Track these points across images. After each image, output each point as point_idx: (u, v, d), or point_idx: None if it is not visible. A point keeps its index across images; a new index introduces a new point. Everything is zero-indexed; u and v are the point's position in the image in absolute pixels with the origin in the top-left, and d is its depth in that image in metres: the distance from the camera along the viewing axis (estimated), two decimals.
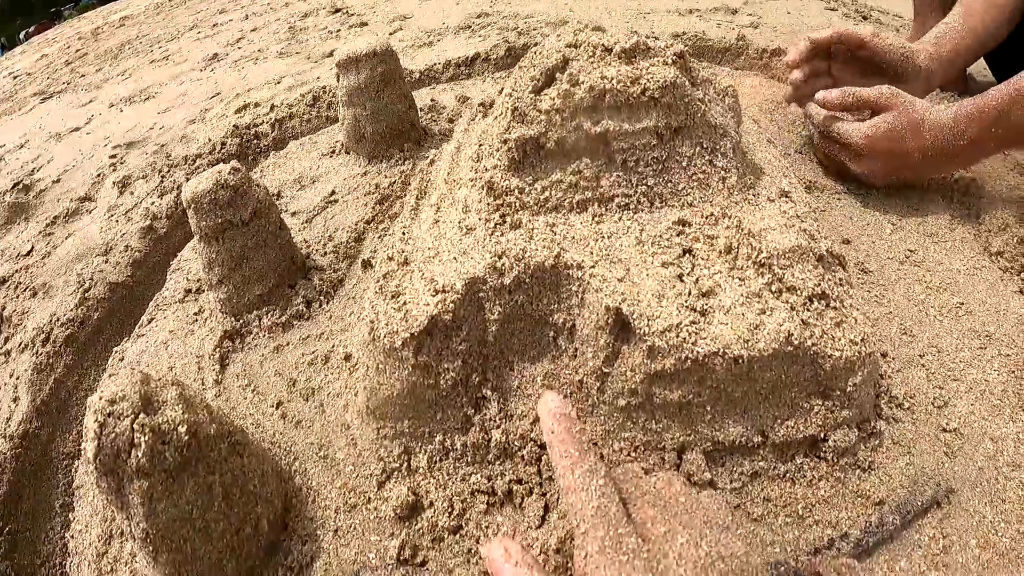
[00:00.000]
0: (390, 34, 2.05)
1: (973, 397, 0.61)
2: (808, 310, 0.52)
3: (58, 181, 1.70)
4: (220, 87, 2.02)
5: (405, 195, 0.99)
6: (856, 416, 0.54)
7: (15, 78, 4.41)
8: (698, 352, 0.49)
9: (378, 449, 0.59)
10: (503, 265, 0.55)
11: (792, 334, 0.49)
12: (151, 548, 0.49)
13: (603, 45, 0.62)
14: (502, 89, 0.88)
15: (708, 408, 0.52)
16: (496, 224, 0.59)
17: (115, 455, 0.46)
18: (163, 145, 1.65)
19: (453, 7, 2.26)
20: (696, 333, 0.49)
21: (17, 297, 1.18)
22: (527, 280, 0.55)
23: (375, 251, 0.89)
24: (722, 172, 0.62)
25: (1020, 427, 0.58)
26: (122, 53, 3.63)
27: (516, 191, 0.61)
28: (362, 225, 0.96)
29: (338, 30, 2.30)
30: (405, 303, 0.55)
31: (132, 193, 1.41)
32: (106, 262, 1.13)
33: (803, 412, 0.53)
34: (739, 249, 0.56)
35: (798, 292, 0.53)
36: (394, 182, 1.04)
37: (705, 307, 0.52)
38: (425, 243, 0.63)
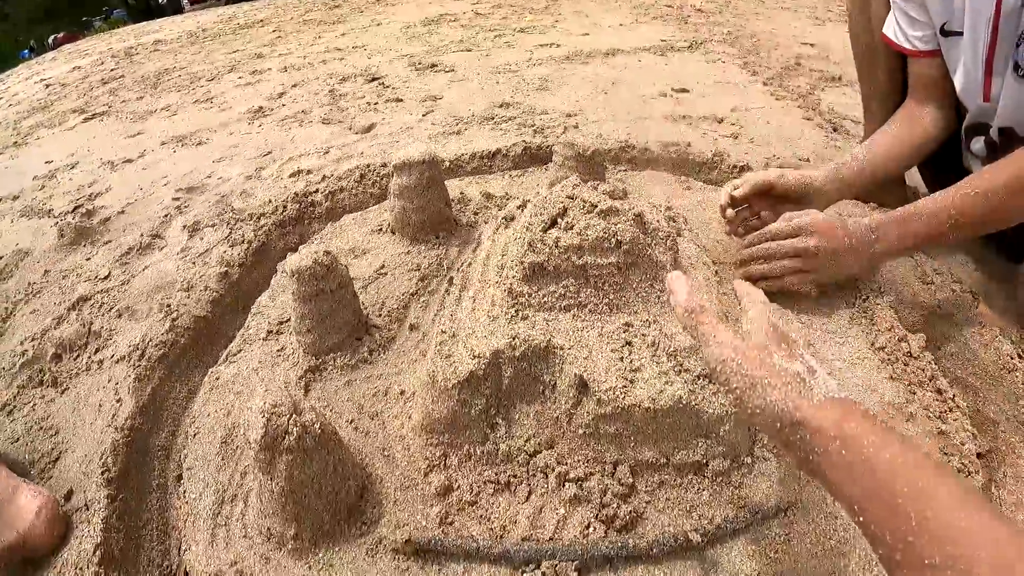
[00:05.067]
0: (423, 115, 2.38)
1: None
2: (696, 384, 0.84)
3: (123, 212, 1.98)
4: (270, 145, 2.34)
5: (439, 275, 1.32)
6: (730, 451, 0.85)
7: (47, 86, 4.67)
8: (626, 403, 0.82)
9: (425, 452, 0.92)
10: (515, 343, 0.88)
11: (682, 397, 0.82)
12: (283, 500, 0.81)
13: (590, 202, 0.96)
14: (522, 204, 1.21)
15: (631, 438, 0.85)
16: (512, 316, 0.93)
17: (274, 439, 0.78)
18: (223, 196, 1.94)
19: (478, 92, 2.59)
20: (625, 392, 0.82)
21: (103, 315, 1.44)
22: (529, 354, 0.88)
23: (418, 317, 1.22)
24: (657, 292, 0.95)
25: None
26: (161, 83, 3.86)
27: (526, 295, 0.94)
28: (408, 296, 1.27)
29: (375, 103, 2.62)
30: (454, 362, 0.89)
31: (202, 239, 1.70)
32: (188, 297, 1.40)
33: (692, 446, 0.85)
34: (659, 344, 0.88)
35: (691, 372, 0.85)
36: (431, 263, 1.35)
37: (634, 378, 0.85)
38: (466, 324, 0.96)
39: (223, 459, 1.01)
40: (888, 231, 1.09)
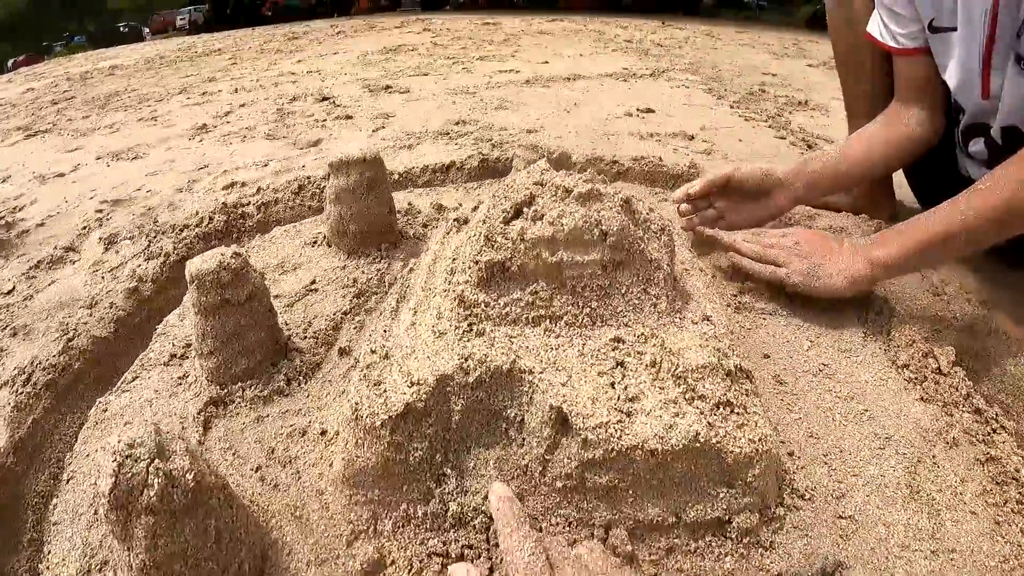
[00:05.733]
0: (373, 131, 2.22)
1: (869, 490, 0.73)
2: (715, 414, 0.65)
3: (42, 225, 1.79)
4: (208, 159, 2.15)
5: (380, 291, 1.12)
6: (758, 502, 0.66)
7: None
8: (622, 445, 0.61)
9: (348, 513, 0.69)
10: (468, 366, 0.67)
11: (699, 433, 0.62)
12: None
13: (564, 187, 0.77)
14: (476, 206, 1.01)
15: (631, 492, 0.64)
16: (464, 331, 0.72)
17: (128, 492, 0.54)
18: (150, 208, 1.75)
19: (434, 111, 2.46)
20: (621, 430, 0.62)
21: None
22: (487, 380, 0.67)
23: (351, 340, 1.01)
24: (653, 299, 0.77)
25: (910, 515, 0.70)
26: (109, 104, 3.75)
27: (482, 304, 0.74)
28: (340, 315, 1.07)
29: (324, 120, 2.46)
30: (385, 391, 0.67)
31: (117, 252, 1.50)
32: (91, 315, 1.20)
33: (711, 497, 0.65)
34: (662, 364, 0.69)
35: (707, 400, 0.66)
36: (371, 278, 1.16)
37: (631, 409, 0.65)
38: (403, 342, 0.75)
39: (96, 513, 0.79)
40: (890, 235, 1.01)
